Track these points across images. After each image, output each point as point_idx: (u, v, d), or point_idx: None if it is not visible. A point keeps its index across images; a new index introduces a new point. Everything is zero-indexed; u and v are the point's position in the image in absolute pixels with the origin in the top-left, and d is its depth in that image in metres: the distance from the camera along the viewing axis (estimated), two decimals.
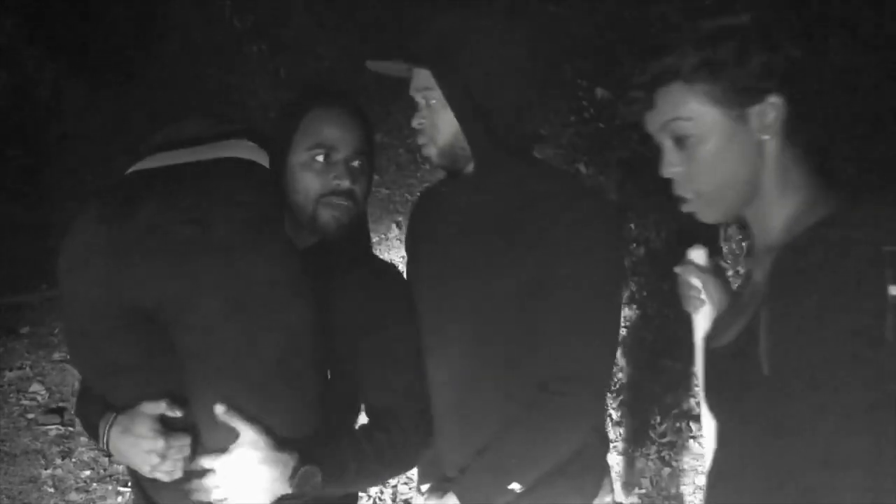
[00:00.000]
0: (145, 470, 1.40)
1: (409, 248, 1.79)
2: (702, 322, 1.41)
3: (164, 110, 6.11)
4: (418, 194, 1.89)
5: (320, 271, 1.48)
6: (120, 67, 6.24)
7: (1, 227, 5.27)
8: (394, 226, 5.09)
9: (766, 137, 1.07)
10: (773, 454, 1.02)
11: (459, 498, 1.54)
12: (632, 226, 4.21)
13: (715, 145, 1.07)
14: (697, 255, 1.42)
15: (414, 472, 1.80)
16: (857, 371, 0.91)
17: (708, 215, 1.13)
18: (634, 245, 4.15)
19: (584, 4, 5.51)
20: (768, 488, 1.05)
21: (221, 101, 6.14)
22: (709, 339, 1.27)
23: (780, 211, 1.10)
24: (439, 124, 1.51)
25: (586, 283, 1.45)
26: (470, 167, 1.54)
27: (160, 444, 1.37)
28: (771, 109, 1.05)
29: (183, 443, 1.39)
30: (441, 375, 1.60)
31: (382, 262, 1.73)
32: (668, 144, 1.11)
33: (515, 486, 1.50)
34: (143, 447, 1.37)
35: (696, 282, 1.38)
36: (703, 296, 1.38)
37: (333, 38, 6.29)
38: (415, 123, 1.55)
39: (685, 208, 1.14)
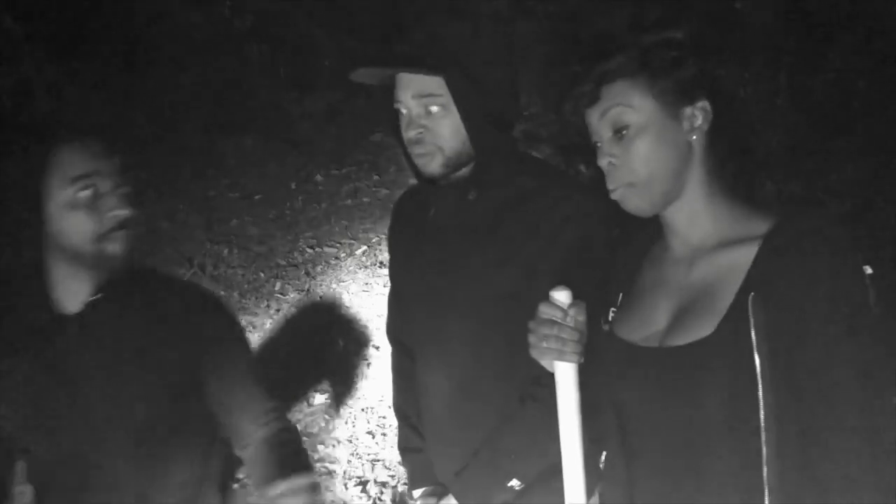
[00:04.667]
0: None
1: (394, 250, 1.75)
2: (568, 373, 1.23)
3: (165, 110, 6.11)
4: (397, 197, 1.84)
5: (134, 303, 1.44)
6: (120, 68, 6.24)
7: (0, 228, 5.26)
8: None
9: (694, 138, 1.19)
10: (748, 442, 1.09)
11: (458, 499, 1.54)
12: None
13: (651, 136, 1.18)
14: (563, 295, 1.23)
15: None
16: (853, 342, 1.04)
17: (636, 204, 1.21)
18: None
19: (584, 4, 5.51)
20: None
21: (222, 100, 6.14)
22: (630, 340, 1.24)
23: (709, 215, 1.21)
24: (444, 131, 1.45)
25: (575, 275, 1.43)
26: (463, 170, 1.51)
27: None
28: (700, 113, 1.18)
29: None
30: (437, 375, 1.58)
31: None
32: (606, 136, 1.20)
33: (515, 483, 1.49)
34: None
35: (571, 323, 1.22)
36: (578, 338, 1.23)
37: (333, 38, 6.29)
38: (411, 134, 1.46)
39: (614, 196, 1.22)
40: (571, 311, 1.23)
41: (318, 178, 5.58)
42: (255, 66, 6.34)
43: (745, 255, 1.13)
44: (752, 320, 1.08)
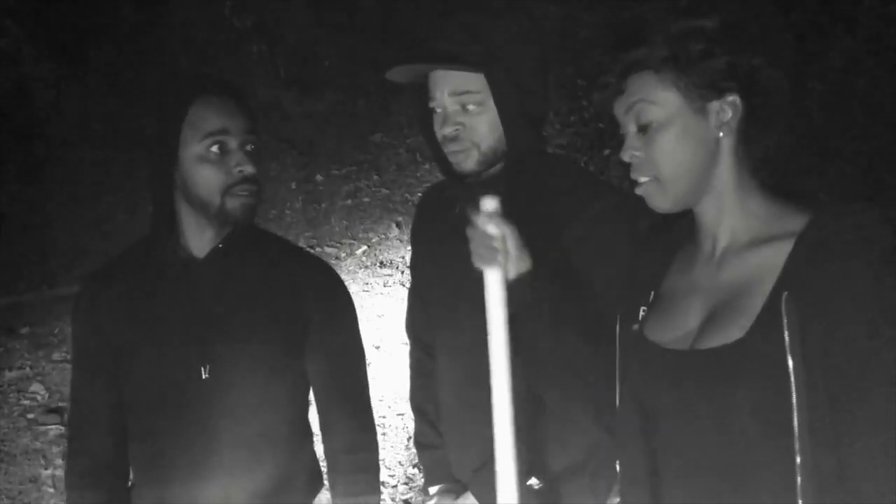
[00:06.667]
0: None
1: (417, 244, 1.75)
2: (495, 280, 1.28)
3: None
4: (419, 193, 1.85)
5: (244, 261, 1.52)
6: (120, 68, 6.25)
7: (1, 228, 5.27)
8: (394, 226, 5.09)
9: (721, 134, 1.13)
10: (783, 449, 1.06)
11: (477, 497, 1.54)
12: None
13: (675, 132, 1.13)
14: (491, 203, 1.26)
15: (414, 472, 1.80)
16: (893, 349, 1.00)
17: (659, 200, 1.18)
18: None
19: (584, 4, 5.51)
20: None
21: None
22: (658, 342, 1.21)
23: (740, 212, 1.16)
24: (481, 128, 1.45)
25: (600, 277, 1.44)
26: (494, 168, 1.51)
27: None
28: (729, 108, 1.12)
29: None
30: (454, 372, 1.59)
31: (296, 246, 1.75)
32: (631, 130, 1.17)
33: (534, 482, 1.49)
34: None
35: (494, 230, 1.25)
36: (501, 246, 1.26)
37: (333, 38, 6.30)
38: (448, 131, 1.46)
39: (638, 191, 1.19)
40: (495, 219, 1.25)
41: (318, 178, 5.58)
42: (255, 66, 6.35)
43: (778, 254, 1.08)
44: (785, 321, 1.04)
